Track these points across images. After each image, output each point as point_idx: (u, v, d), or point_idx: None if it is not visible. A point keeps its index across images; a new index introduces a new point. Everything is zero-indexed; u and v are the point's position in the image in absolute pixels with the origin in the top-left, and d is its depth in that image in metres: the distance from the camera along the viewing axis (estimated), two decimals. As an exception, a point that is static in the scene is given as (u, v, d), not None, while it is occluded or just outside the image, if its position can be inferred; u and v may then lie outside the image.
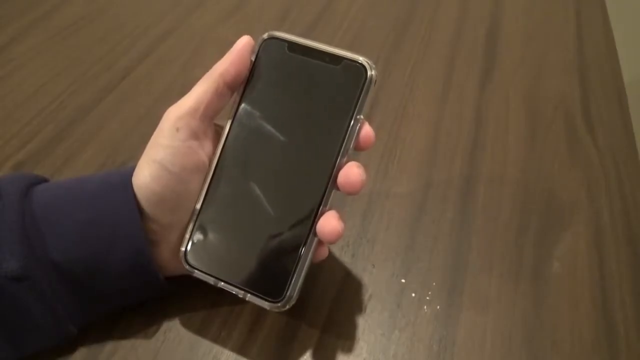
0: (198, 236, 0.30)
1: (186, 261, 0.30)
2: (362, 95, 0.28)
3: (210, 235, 0.30)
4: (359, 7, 0.61)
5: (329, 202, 0.28)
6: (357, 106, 0.28)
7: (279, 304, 0.28)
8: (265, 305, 0.28)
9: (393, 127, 0.46)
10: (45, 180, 0.32)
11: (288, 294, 0.28)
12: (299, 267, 0.28)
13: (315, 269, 0.34)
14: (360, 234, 0.37)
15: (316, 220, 0.28)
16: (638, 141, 0.45)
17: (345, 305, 0.33)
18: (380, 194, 0.40)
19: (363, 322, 0.32)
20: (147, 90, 0.50)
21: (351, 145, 0.28)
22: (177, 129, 0.28)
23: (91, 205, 0.29)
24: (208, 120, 0.30)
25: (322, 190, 0.28)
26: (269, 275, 0.29)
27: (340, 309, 0.33)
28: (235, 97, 0.30)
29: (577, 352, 0.31)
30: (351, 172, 0.28)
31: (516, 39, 0.56)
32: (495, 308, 0.33)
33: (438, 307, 0.33)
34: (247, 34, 0.30)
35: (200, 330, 0.32)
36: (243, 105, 0.30)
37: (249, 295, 0.29)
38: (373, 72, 0.28)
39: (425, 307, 0.33)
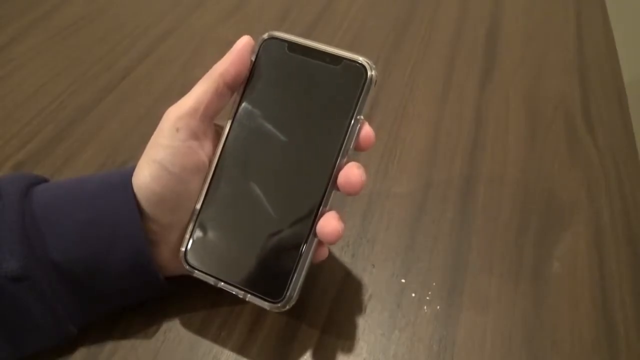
0: (198, 236, 0.30)
1: (186, 261, 0.30)
2: (362, 96, 0.28)
3: (210, 236, 0.30)
4: (359, 7, 0.61)
5: (329, 203, 0.28)
6: (357, 106, 0.28)
7: (279, 305, 0.28)
8: (265, 305, 0.28)
9: (393, 127, 0.46)
10: (45, 180, 0.32)
11: (288, 294, 0.28)
12: (299, 267, 0.28)
13: (315, 269, 0.34)
14: (360, 234, 0.37)
15: (316, 220, 0.28)
16: (638, 141, 0.45)
17: (345, 305, 0.33)
18: (380, 194, 0.40)
19: (363, 322, 0.32)
20: (147, 90, 0.50)
21: (351, 146, 0.28)
22: (177, 129, 0.28)
23: (91, 205, 0.29)
24: (208, 121, 0.30)
25: (322, 190, 0.28)
26: (269, 276, 0.29)
27: (340, 309, 0.33)
28: (235, 97, 0.30)
29: (577, 352, 0.31)
30: (351, 173, 0.28)
31: (516, 39, 0.56)
32: (495, 308, 0.33)
33: (438, 307, 0.33)
34: (247, 34, 0.30)
35: (200, 330, 0.32)
36: (243, 105, 0.30)
37: (249, 295, 0.29)
38: (373, 72, 0.28)
39: (425, 307, 0.33)
